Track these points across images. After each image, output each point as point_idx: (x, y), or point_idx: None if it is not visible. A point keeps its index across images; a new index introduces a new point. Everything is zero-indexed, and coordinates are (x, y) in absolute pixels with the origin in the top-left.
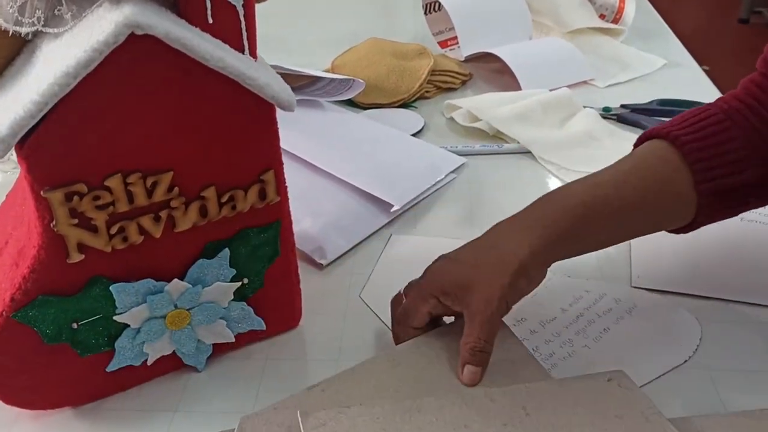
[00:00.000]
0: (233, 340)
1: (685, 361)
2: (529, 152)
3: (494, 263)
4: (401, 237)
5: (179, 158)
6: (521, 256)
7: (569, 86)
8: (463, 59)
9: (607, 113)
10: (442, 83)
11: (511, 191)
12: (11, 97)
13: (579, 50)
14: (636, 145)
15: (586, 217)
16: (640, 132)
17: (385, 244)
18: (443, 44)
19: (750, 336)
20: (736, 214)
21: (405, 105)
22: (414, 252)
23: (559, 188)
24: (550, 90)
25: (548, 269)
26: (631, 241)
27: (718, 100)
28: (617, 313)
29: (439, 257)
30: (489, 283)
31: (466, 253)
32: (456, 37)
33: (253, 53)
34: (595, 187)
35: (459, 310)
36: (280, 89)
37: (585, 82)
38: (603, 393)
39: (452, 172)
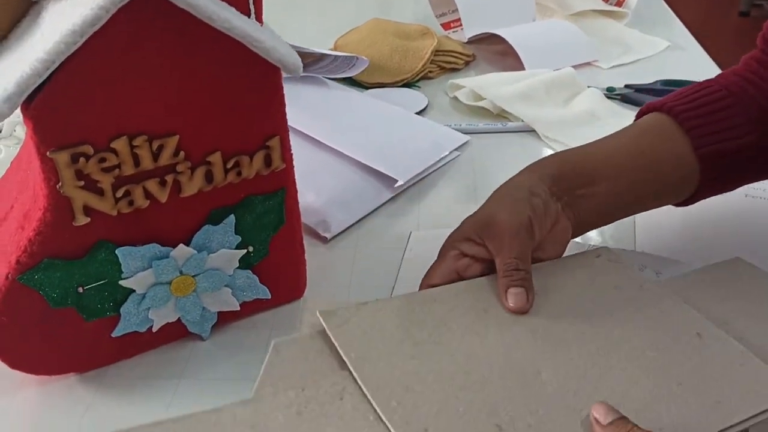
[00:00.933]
0: (238, 308)
1: None
2: (533, 130)
3: (506, 195)
4: (421, 233)
5: (185, 122)
6: (528, 183)
7: (573, 67)
8: (466, 41)
9: (611, 93)
10: (446, 63)
11: (515, 169)
12: (18, 56)
13: (582, 32)
14: (635, 119)
15: (589, 172)
16: None
17: (406, 243)
18: (446, 26)
19: None
20: (738, 184)
21: (408, 85)
22: (436, 246)
23: (562, 150)
24: (554, 70)
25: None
26: (636, 228)
27: (718, 76)
28: None
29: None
30: (507, 210)
31: (481, 208)
32: (459, 19)
33: (259, 17)
34: (598, 147)
35: (483, 254)
36: (286, 52)
37: (589, 64)
38: (597, 268)
39: (456, 149)
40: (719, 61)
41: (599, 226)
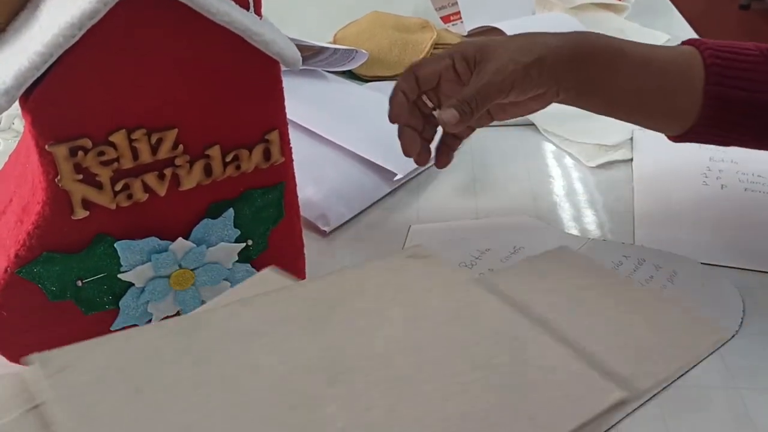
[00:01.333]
0: None
1: (732, 336)
2: (533, 124)
3: (518, 46)
4: (420, 226)
5: (184, 115)
6: (542, 49)
7: None
8: (465, 34)
9: None
10: None
11: (514, 162)
12: (16, 49)
13: (583, 25)
14: None
15: (603, 52)
16: None
17: (405, 236)
18: (446, 19)
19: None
20: (731, 140)
21: None
22: (436, 239)
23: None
24: None
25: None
26: (635, 208)
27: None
28: (659, 282)
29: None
30: (507, 57)
31: (498, 38)
32: (459, 12)
33: (258, 10)
34: (620, 39)
35: (466, 78)
36: (285, 46)
37: None
38: (409, 271)
39: None
40: None
41: (586, 110)
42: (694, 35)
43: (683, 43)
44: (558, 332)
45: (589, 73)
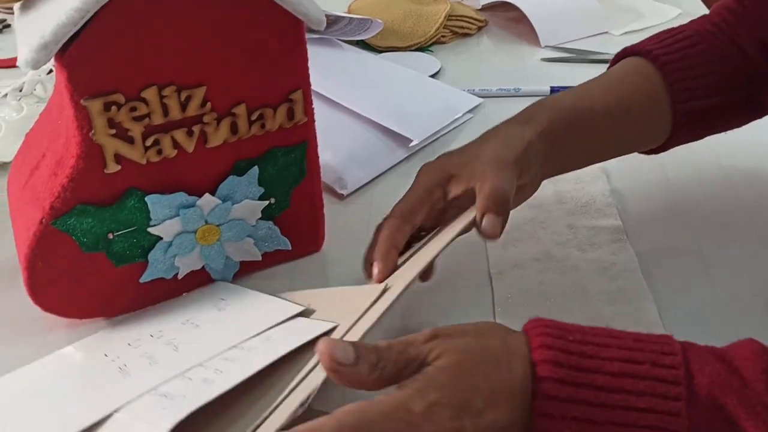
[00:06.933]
0: (260, 258)
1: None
2: (545, 96)
3: (500, 143)
4: None
5: (212, 74)
6: (527, 137)
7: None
8: (479, 8)
9: None
10: (459, 28)
11: None
12: (54, 5)
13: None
14: (613, 62)
15: (574, 123)
16: None
17: None
18: None
19: None
20: (702, 137)
21: (421, 49)
22: None
23: (546, 98)
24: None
25: None
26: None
27: (691, 22)
28: None
29: (435, 159)
30: (498, 154)
31: (465, 145)
32: None
33: None
34: (582, 96)
35: (464, 191)
36: (311, 6)
37: None
38: None
39: (469, 111)
40: None
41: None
42: (705, 10)
43: (624, 51)
44: None
45: (568, 148)
